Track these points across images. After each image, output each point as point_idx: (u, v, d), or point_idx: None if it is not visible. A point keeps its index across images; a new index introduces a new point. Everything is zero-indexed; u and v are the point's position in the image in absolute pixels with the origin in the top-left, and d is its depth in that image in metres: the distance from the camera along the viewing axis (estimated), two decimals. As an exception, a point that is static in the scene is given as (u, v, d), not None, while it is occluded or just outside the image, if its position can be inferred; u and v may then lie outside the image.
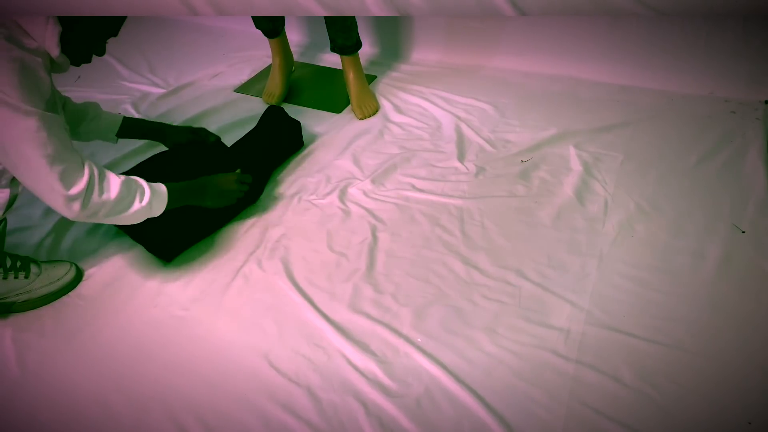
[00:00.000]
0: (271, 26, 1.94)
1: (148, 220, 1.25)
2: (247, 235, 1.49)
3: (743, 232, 1.39)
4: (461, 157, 1.70)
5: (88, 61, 1.19)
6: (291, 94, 2.06)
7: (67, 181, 1.09)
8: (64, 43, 1.09)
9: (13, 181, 1.18)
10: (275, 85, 2.02)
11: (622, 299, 1.27)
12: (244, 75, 2.19)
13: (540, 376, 1.13)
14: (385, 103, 1.97)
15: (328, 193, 1.60)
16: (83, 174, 1.11)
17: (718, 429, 1.04)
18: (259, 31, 1.98)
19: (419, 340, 1.21)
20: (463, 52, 2.17)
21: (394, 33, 2.24)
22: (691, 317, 1.22)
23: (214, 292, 1.34)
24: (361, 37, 1.93)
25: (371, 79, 2.11)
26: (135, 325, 1.28)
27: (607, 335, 1.20)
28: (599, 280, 1.31)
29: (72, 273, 1.35)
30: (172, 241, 1.41)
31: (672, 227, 1.43)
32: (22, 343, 1.25)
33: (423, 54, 2.22)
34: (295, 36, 2.32)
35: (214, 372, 1.18)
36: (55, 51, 1.08)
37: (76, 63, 1.17)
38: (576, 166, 1.63)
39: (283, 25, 1.98)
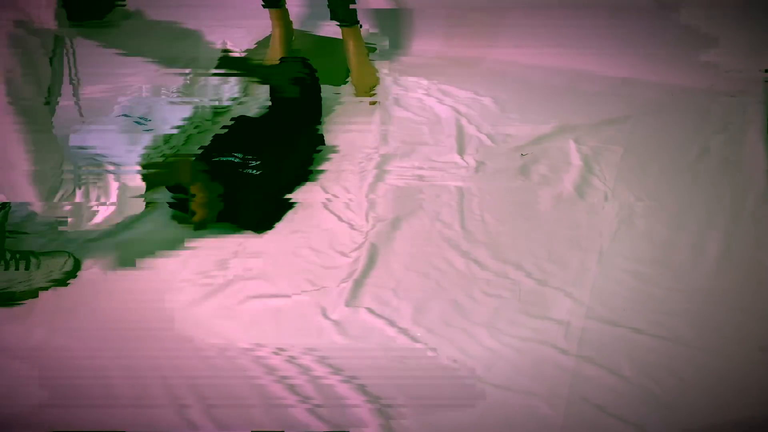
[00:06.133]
0: None
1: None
2: (246, 232, 1.48)
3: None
4: (461, 151, 1.69)
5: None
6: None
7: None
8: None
9: None
10: (275, 56, 1.99)
11: (623, 293, 1.27)
12: (243, 46, 2.15)
13: (540, 371, 1.13)
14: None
15: (328, 189, 1.60)
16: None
17: (719, 423, 1.04)
18: (258, 1, 1.96)
19: (419, 334, 1.21)
20: (463, 44, 2.16)
21: (394, 24, 2.23)
22: (691, 311, 1.22)
23: (214, 291, 1.34)
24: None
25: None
26: (133, 314, 1.29)
27: (608, 329, 1.20)
28: (599, 275, 1.31)
29: (70, 263, 1.35)
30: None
31: (672, 221, 1.42)
32: (24, 321, 1.26)
33: (422, 46, 2.20)
34: (294, 7, 2.29)
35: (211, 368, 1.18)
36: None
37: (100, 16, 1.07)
38: (576, 160, 1.62)
39: None
